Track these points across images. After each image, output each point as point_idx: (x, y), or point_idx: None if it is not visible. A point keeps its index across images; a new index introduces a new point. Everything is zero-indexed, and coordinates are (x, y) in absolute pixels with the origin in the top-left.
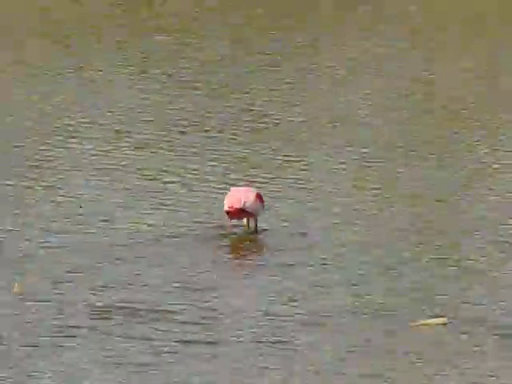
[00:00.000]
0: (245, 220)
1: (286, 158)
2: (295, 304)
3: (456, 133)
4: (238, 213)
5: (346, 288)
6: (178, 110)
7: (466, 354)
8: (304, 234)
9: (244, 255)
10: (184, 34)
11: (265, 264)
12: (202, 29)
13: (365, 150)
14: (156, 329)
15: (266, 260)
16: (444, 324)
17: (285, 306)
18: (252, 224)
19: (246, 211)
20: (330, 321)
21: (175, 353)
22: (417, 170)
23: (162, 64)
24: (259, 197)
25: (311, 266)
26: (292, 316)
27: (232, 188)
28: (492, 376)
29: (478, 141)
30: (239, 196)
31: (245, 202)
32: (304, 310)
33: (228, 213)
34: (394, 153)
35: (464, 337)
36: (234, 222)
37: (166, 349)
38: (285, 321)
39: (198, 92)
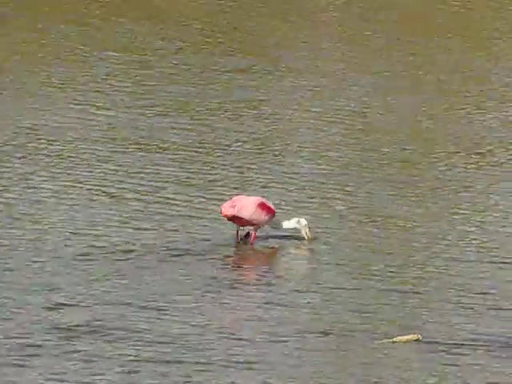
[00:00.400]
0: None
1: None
2: (257, 324)
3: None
4: (232, 219)
5: (315, 309)
6: (131, 129)
7: (432, 370)
8: (265, 253)
9: (206, 272)
10: (131, 51)
11: (226, 282)
12: (149, 46)
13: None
14: (116, 348)
15: (228, 278)
16: (417, 340)
17: (247, 327)
18: (252, 233)
19: (243, 219)
20: (298, 340)
21: (137, 372)
22: (370, 189)
23: (111, 81)
24: (263, 206)
25: (273, 285)
26: (254, 336)
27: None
28: None
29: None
30: (234, 203)
31: (239, 209)
32: (268, 330)
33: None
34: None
35: (431, 354)
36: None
37: (126, 368)
38: (246, 340)
39: (147, 110)
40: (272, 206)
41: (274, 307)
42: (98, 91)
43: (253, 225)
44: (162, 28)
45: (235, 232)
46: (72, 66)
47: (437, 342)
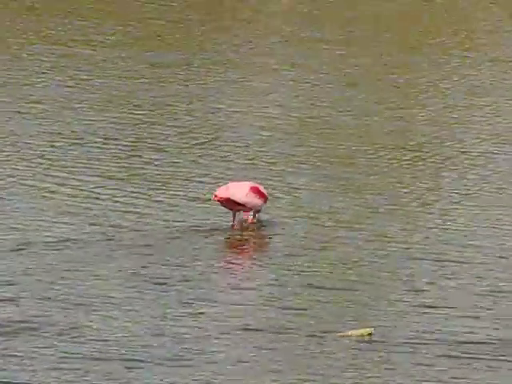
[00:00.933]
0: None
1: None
2: (193, 321)
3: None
4: (226, 202)
5: (253, 306)
6: (65, 123)
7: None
8: (198, 248)
9: (138, 268)
10: (66, 44)
11: (159, 278)
12: (87, 39)
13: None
14: (47, 345)
15: (160, 274)
16: (370, 334)
17: (180, 324)
18: (250, 217)
19: (237, 203)
20: (236, 338)
21: (51, 369)
22: (310, 185)
23: (45, 75)
24: (256, 190)
25: (208, 281)
26: (190, 333)
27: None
28: None
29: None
30: (228, 187)
31: (233, 193)
32: (204, 327)
33: (219, 202)
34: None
35: (378, 352)
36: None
37: (57, 366)
38: (180, 338)
39: (82, 104)
40: (265, 192)
41: (208, 304)
42: (31, 85)
43: (246, 210)
44: (100, 22)
45: (232, 216)
46: (4, 59)
47: (384, 341)
